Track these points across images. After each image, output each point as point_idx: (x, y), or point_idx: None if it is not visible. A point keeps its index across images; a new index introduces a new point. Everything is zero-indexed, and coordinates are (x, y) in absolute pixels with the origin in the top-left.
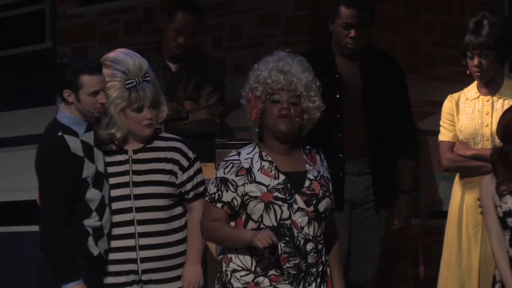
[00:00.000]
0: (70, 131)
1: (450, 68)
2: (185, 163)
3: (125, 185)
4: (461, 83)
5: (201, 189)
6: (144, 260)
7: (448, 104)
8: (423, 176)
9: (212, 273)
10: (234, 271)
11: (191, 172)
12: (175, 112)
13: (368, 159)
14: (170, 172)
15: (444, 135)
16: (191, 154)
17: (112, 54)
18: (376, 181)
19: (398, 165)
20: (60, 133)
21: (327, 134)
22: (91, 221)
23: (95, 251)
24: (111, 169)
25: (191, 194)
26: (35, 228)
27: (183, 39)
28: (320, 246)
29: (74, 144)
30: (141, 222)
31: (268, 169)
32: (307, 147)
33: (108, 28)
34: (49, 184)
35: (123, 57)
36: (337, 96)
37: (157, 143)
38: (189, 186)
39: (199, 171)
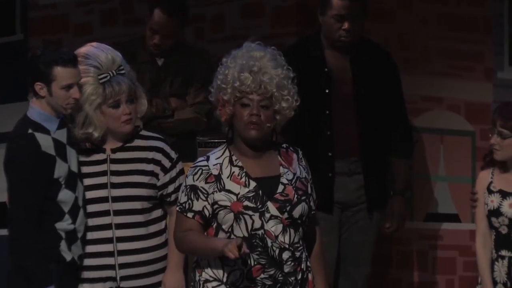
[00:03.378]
0: (41, 128)
1: (446, 62)
2: (167, 163)
3: (102, 186)
4: (458, 78)
5: None
6: (123, 266)
7: None
8: (417, 176)
9: None
10: (206, 281)
11: (173, 173)
12: (160, 110)
13: (359, 158)
14: (151, 173)
15: None
16: (173, 154)
17: (83, 49)
18: (367, 181)
19: (391, 164)
20: (30, 131)
21: (316, 132)
22: (64, 224)
23: (68, 256)
24: (87, 169)
25: (173, 197)
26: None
27: (158, 39)
28: (298, 254)
29: (45, 142)
30: (120, 226)
31: (238, 175)
32: (284, 145)
33: (83, 19)
34: (18, 184)
35: (94, 51)
36: (327, 91)
37: (137, 142)
38: (171, 188)
39: (181, 172)
